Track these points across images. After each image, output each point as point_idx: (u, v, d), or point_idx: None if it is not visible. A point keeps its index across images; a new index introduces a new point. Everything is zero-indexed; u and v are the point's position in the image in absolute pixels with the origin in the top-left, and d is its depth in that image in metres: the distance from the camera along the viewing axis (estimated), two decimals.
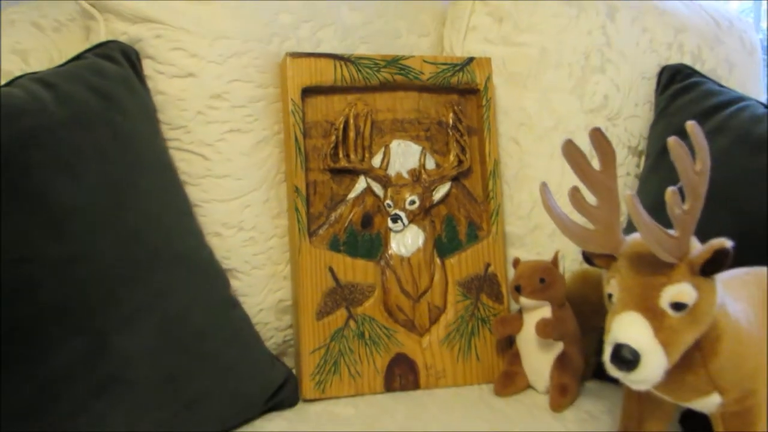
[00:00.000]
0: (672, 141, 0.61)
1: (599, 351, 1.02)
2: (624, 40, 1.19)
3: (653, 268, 0.65)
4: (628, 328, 0.64)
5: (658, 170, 1.11)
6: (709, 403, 0.72)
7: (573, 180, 1.11)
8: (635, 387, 0.67)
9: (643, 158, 1.20)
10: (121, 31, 0.98)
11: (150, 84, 0.98)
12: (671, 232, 0.64)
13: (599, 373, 1.04)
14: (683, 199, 0.64)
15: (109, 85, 0.88)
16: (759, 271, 0.80)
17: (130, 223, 0.82)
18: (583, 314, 1.02)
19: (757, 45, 1.38)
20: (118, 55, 0.94)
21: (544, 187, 0.70)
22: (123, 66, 0.93)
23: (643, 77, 1.21)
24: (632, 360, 0.63)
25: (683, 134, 1.10)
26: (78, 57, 0.93)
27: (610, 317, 0.67)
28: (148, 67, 0.98)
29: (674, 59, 1.23)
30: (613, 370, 0.65)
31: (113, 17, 0.98)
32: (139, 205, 0.84)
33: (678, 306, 0.64)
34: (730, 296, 0.72)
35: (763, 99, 1.25)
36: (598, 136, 0.67)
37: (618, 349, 0.64)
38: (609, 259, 0.70)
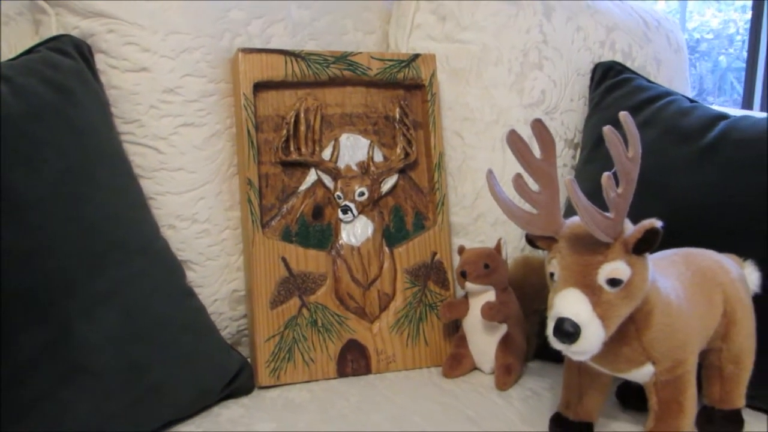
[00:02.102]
0: (607, 129, 0.66)
1: (541, 332, 1.08)
2: (560, 38, 1.25)
3: (591, 247, 0.71)
4: (568, 303, 0.69)
5: (593, 161, 1.17)
6: (643, 373, 0.78)
7: (514, 170, 1.17)
8: (576, 358, 0.72)
9: (578, 150, 1.26)
10: (73, 26, 0.99)
11: (103, 78, 0.99)
12: (607, 214, 0.69)
13: (541, 353, 1.10)
14: (617, 183, 0.69)
15: (63, 79, 0.89)
16: (686, 251, 0.87)
17: (89, 215, 0.83)
18: (524, 297, 1.07)
19: (682, 44, 1.46)
20: (71, 49, 0.95)
21: (490, 174, 0.75)
22: (76, 60, 0.94)
23: (578, 73, 1.27)
24: (573, 332, 0.68)
25: (617, 126, 1.18)
26: (30, 50, 0.94)
27: (552, 294, 0.72)
28: (100, 61, 0.99)
29: (606, 56, 1.30)
30: (555, 343, 0.70)
31: (65, 12, 0.99)
32: (97, 197, 0.85)
33: (614, 282, 0.70)
34: (661, 274, 0.78)
35: (688, 94, 1.33)
36: (538, 127, 0.72)
37: (560, 322, 0.69)
38: (550, 241, 0.75)
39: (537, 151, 0.73)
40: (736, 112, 1.14)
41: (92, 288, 0.80)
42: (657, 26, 1.40)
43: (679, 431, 0.79)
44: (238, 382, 0.97)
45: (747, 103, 2.94)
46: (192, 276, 1.02)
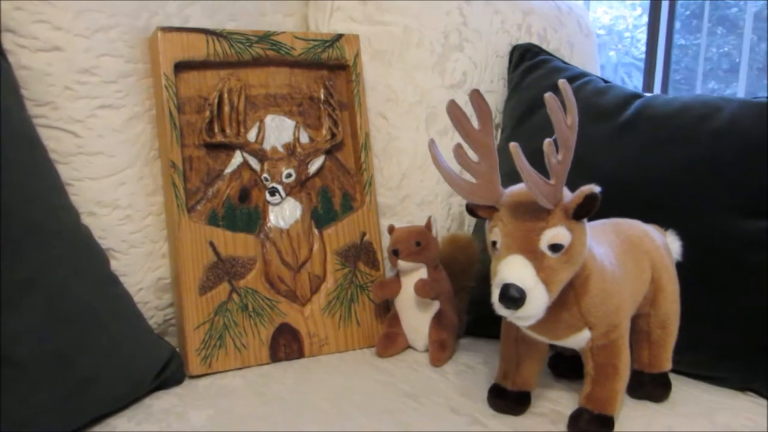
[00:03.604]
0: (548, 97, 0.67)
1: (470, 309, 1.09)
2: (479, 20, 1.27)
3: (532, 214, 0.72)
4: (513, 269, 0.70)
5: (514, 140, 1.18)
6: (580, 339, 0.80)
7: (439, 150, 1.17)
8: (520, 323, 0.73)
9: (500, 130, 1.28)
10: None
11: (11, 59, 0.93)
12: (548, 180, 0.70)
13: (471, 330, 1.11)
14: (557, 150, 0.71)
15: None
16: (615, 221, 0.89)
17: (3, 198, 0.78)
18: (453, 274, 1.08)
19: (592, 28, 1.51)
20: None
21: (432, 144, 0.75)
22: None
23: (497, 55, 1.29)
24: (519, 297, 0.69)
25: (536, 107, 1.20)
26: None
27: (495, 262, 0.73)
28: (8, 40, 0.93)
29: (523, 39, 1.33)
30: (500, 309, 0.70)
31: None
32: (12, 181, 0.80)
33: (555, 247, 0.71)
34: (594, 241, 0.79)
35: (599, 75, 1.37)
36: (477, 97, 0.73)
37: (506, 288, 0.69)
38: (491, 210, 0.75)
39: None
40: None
41: (12, 275, 0.75)
42: (569, 11, 1.44)
43: (615, 393, 0.81)
44: (168, 371, 0.93)
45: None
46: (115, 264, 0.98)
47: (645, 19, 4.02)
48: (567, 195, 0.73)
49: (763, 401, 0.91)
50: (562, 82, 0.70)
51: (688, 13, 3.77)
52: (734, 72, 3.51)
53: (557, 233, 0.71)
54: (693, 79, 3.69)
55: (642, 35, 4.08)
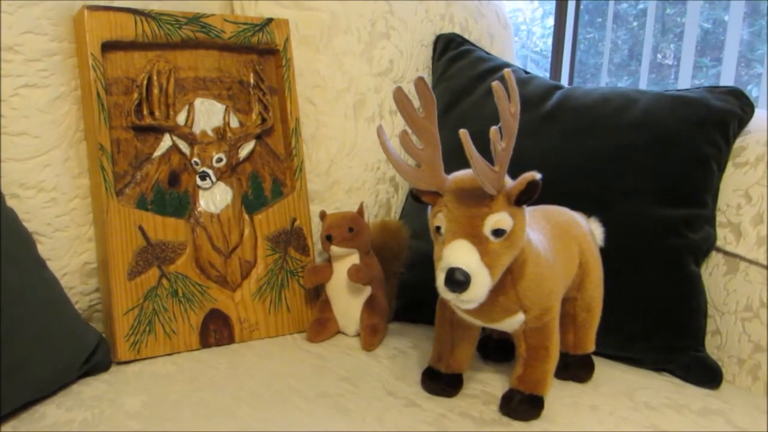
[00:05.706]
0: (496, 85, 0.69)
1: (399, 294, 1.11)
2: (404, 8, 1.28)
3: (476, 200, 0.74)
4: (458, 253, 0.72)
5: (441, 128, 1.21)
6: (514, 322, 0.83)
7: (366, 138, 1.20)
8: (465, 306, 0.76)
9: None
10: None
11: None
12: (492, 167, 0.73)
13: (399, 315, 1.14)
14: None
15: None
16: (544, 207, 0.93)
17: None
18: (384, 260, 1.10)
19: (509, 20, 1.55)
20: None
21: (380, 129, 0.76)
22: None
23: (422, 44, 1.31)
24: (464, 281, 0.71)
25: (461, 97, 1.23)
26: None
27: (440, 247, 0.75)
28: None
29: (447, 29, 1.36)
30: (446, 293, 0.72)
31: None
32: None
33: (498, 232, 0.73)
34: (528, 227, 0.83)
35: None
36: (421, 86, 0.74)
37: (451, 272, 0.71)
38: (435, 196, 0.77)
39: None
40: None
41: None
42: (488, 3, 1.47)
43: (546, 375, 0.85)
44: (96, 358, 0.91)
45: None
46: (40, 248, 0.94)
47: (540, 12, 4.14)
48: (508, 181, 0.76)
49: (676, 380, 0.98)
50: (507, 72, 0.72)
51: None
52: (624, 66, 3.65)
53: (500, 218, 0.73)
54: (584, 72, 3.82)
55: (538, 29, 4.20)
